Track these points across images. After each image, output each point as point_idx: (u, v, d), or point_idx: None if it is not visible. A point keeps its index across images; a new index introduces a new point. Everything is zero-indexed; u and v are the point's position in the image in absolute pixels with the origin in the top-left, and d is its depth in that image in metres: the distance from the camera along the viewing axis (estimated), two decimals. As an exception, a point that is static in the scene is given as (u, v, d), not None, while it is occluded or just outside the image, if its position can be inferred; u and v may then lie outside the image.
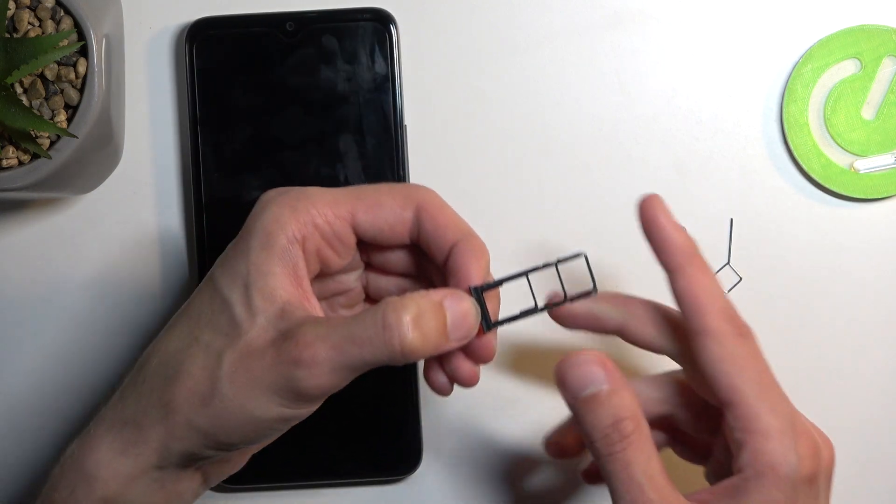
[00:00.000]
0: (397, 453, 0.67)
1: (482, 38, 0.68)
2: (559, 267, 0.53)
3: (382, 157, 0.66)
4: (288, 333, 0.50)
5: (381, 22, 0.66)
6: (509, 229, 0.67)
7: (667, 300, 0.55)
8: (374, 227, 0.54)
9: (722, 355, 0.52)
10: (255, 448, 0.56)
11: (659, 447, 0.57)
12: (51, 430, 0.68)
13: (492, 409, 0.68)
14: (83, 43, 0.59)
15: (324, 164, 0.66)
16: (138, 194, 0.68)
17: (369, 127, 0.66)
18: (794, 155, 0.67)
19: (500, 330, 0.54)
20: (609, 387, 0.52)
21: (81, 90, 0.59)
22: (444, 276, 0.54)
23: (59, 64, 0.59)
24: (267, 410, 0.51)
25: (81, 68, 0.59)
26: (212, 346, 0.51)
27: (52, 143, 0.59)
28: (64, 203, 0.68)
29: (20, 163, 0.59)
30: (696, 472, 0.59)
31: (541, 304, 0.54)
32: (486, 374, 0.67)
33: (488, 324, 0.53)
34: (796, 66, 0.67)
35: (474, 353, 0.53)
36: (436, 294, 0.51)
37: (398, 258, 0.56)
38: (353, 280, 0.57)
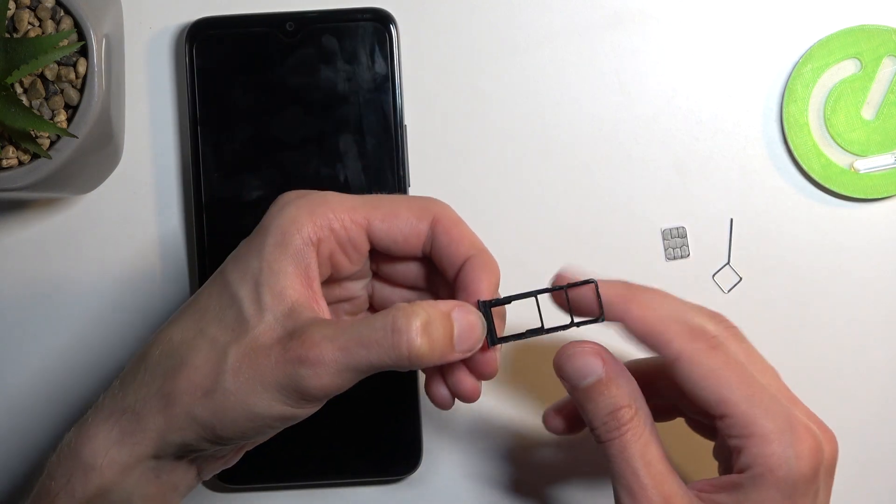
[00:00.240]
0: (397, 453, 0.67)
1: (482, 38, 0.68)
2: (568, 292, 0.54)
3: (382, 157, 0.66)
4: (295, 332, 0.51)
5: (381, 22, 0.66)
6: (509, 229, 0.67)
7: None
8: (389, 236, 0.54)
9: (701, 374, 0.53)
10: (251, 445, 0.56)
11: (670, 416, 0.59)
12: (51, 430, 0.68)
13: (492, 409, 0.68)
14: (83, 43, 0.59)
15: (324, 164, 0.66)
16: (138, 194, 0.68)
17: (369, 127, 0.66)
18: (794, 155, 0.67)
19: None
20: (606, 377, 0.53)
21: (81, 90, 0.59)
22: (452, 290, 0.54)
23: (59, 64, 0.59)
24: (268, 408, 0.51)
25: (81, 68, 0.59)
26: (217, 340, 0.51)
27: (52, 143, 0.59)
28: (64, 203, 0.68)
29: (20, 163, 0.59)
30: (701, 463, 0.59)
31: (547, 325, 0.54)
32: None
33: (493, 339, 0.53)
34: (796, 66, 0.67)
35: (477, 368, 0.54)
36: (445, 304, 0.52)
37: (408, 270, 0.56)
38: (359, 288, 0.57)
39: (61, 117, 0.59)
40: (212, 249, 0.66)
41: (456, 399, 0.55)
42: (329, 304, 0.56)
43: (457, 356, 0.52)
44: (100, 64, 0.59)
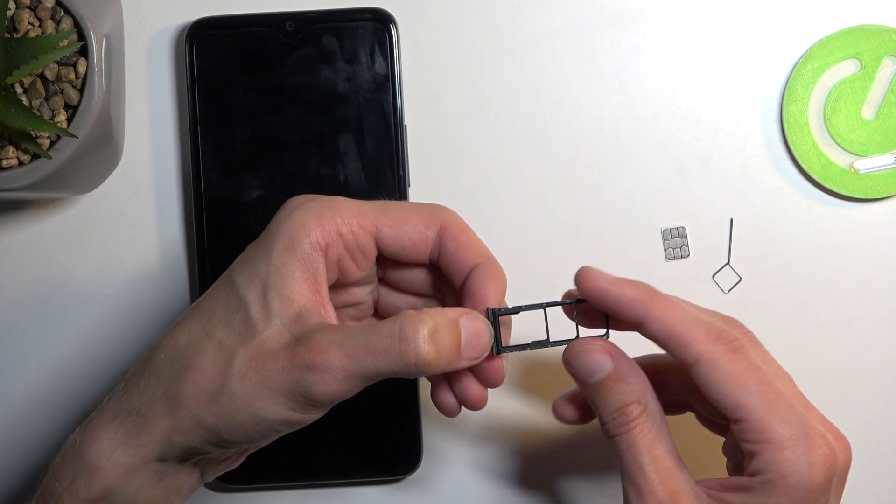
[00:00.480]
0: (397, 453, 0.67)
1: (482, 38, 0.68)
2: (576, 307, 0.55)
3: (382, 157, 0.66)
4: (302, 338, 0.51)
5: (381, 22, 0.66)
6: (509, 229, 0.67)
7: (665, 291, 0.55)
8: (397, 242, 0.54)
9: (720, 377, 0.53)
10: (254, 448, 0.56)
11: (680, 411, 0.59)
12: (52, 429, 0.68)
13: (492, 409, 0.68)
14: (83, 43, 0.59)
15: (324, 164, 0.66)
16: (138, 194, 0.68)
17: (369, 127, 0.66)
18: (794, 155, 0.67)
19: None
20: (615, 373, 0.54)
21: (81, 90, 0.59)
22: (459, 297, 0.55)
23: (59, 64, 0.59)
24: (275, 412, 0.51)
25: (81, 68, 0.59)
26: (224, 344, 0.51)
27: (52, 143, 0.59)
28: (64, 203, 0.68)
29: (20, 163, 0.59)
30: (708, 458, 0.59)
31: (552, 338, 0.55)
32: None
33: (498, 348, 0.54)
34: (796, 66, 0.67)
35: (484, 375, 0.54)
36: (452, 312, 0.52)
37: (414, 276, 0.57)
38: (365, 294, 0.57)
39: (61, 117, 0.59)
40: (212, 249, 0.66)
41: (462, 406, 0.55)
42: (335, 308, 0.56)
43: (464, 364, 0.52)
44: (100, 64, 0.59)
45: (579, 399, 0.59)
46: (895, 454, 0.68)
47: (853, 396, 0.68)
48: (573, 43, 0.68)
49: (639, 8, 0.68)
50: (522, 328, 0.56)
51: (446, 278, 0.55)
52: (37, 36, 0.59)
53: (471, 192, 0.68)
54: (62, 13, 0.60)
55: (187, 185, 0.67)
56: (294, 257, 0.52)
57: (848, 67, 0.67)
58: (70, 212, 0.68)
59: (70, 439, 0.53)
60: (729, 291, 0.68)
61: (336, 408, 0.54)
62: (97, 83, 0.59)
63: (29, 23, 0.59)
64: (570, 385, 0.58)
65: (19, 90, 0.59)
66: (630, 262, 0.67)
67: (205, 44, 0.66)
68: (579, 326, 0.55)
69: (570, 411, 0.59)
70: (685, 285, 0.67)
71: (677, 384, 0.57)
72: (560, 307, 0.55)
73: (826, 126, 0.67)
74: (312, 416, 0.52)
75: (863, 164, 0.67)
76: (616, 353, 0.54)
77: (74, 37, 0.59)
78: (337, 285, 0.55)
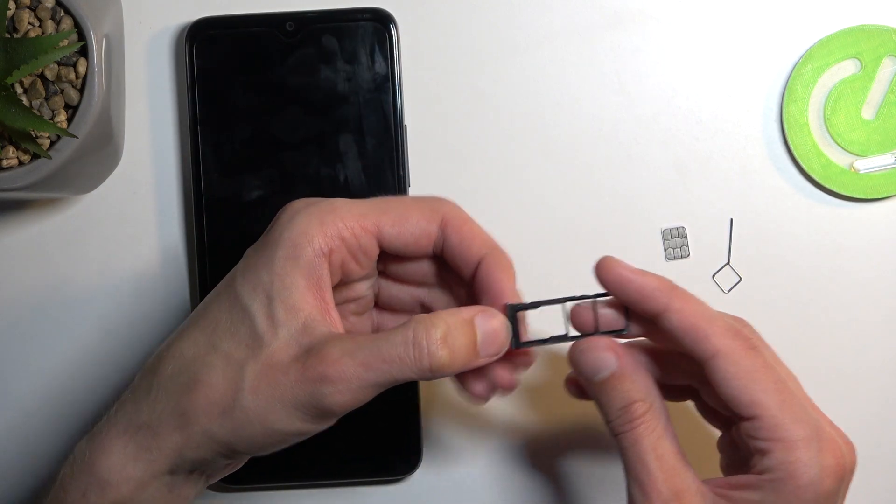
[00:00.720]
0: (397, 453, 0.67)
1: (482, 38, 0.68)
2: (597, 302, 0.55)
3: (382, 157, 0.66)
4: (312, 349, 0.51)
5: (381, 22, 0.66)
6: (509, 229, 0.67)
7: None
8: (400, 240, 0.54)
9: (737, 373, 0.53)
10: (262, 454, 0.56)
11: (682, 398, 0.59)
12: (52, 429, 0.68)
13: (492, 409, 0.68)
14: (83, 43, 0.59)
15: (324, 164, 0.66)
16: (138, 194, 0.68)
17: (369, 127, 0.66)
18: (794, 155, 0.67)
19: None
20: (619, 371, 0.54)
21: (81, 90, 0.59)
22: (468, 288, 0.55)
23: (59, 64, 0.59)
24: (288, 424, 0.51)
25: (81, 68, 0.59)
26: (232, 357, 0.51)
27: (52, 143, 0.59)
28: (64, 203, 0.68)
29: (20, 163, 0.59)
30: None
31: (571, 333, 0.55)
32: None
33: (517, 343, 0.54)
34: (796, 66, 0.67)
35: (514, 360, 0.54)
36: (467, 311, 0.52)
37: (416, 268, 0.57)
38: (366, 288, 0.57)
39: (61, 117, 0.59)
40: (212, 249, 0.66)
41: (493, 393, 0.55)
42: (337, 304, 0.56)
43: (482, 362, 0.52)
44: (100, 64, 0.59)
45: None
46: (895, 454, 0.68)
47: (853, 396, 0.68)
48: (573, 43, 0.68)
49: (639, 8, 0.68)
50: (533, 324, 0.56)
51: (452, 270, 0.55)
52: (37, 36, 0.59)
53: (471, 192, 0.67)
54: (62, 13, 0.60)
55: (187, 185, 0.67)
56: (297, 265, 0.52)
57: (848, 67, 0.67)
58: (70, 212, 0.68)
59: (78, 450, 0.53)
60: (729, 291, 0.68)
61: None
62: (97, 83, 0.59)
63: (29, 23, 0.59)
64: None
65: (19, 90, 0.59)
66: (630, 262, 0.67)
67: (205, 44, 0.66)
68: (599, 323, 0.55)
69: (578, 389, 0.59)
70: (685, 285, 0.67)
71: (690, 371, 0.56)
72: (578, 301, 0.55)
73: (826, 126, 0.67)
74: (324, 425, 0.52)
75: (863, 164, 0.67)
76: (621, 351, 0.54)
77: (74, 37, 0.59)
78: (339, 284, 0.55)
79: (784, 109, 0.67)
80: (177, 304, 0.67)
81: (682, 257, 0.68)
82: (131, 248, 0.68)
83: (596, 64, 0.68)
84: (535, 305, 0.54)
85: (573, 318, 0.56)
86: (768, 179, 0.68)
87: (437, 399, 0.67)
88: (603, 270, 0.54)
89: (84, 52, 0.59)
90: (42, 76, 0.59)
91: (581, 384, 0.57)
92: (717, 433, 0.58)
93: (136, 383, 0.53)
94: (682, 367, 0.57)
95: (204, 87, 0.66)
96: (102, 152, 0.63)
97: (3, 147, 0.59)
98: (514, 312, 0.53)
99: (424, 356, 0.51)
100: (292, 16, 0.66)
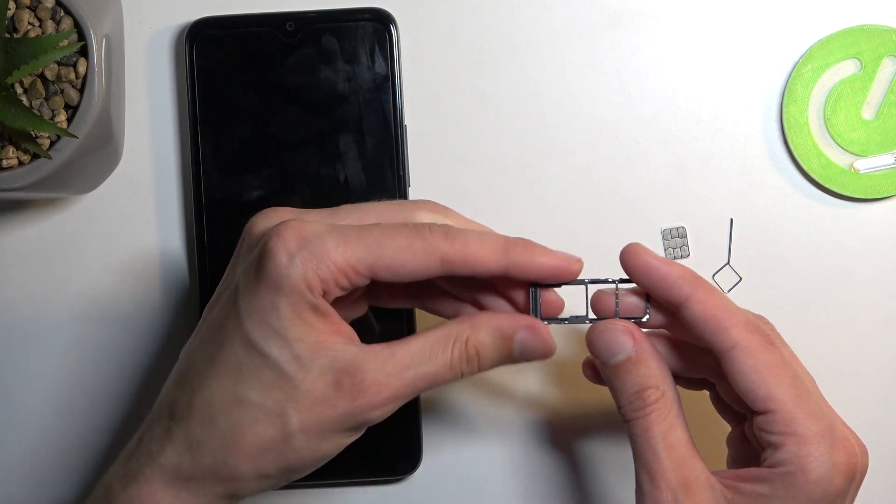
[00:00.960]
0: (397, 453, 0.67)
1: (482, 38, 0.68)
2: (618, 287, 0.56)
3: (382, 157, 0.66)
4: (345, 371, 0.52)
5: (381, 22, 0.66)
6: (509, 229, 0.67)
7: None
8: (396, 280, 0.53)
9: (755, 366, 0.53)
10: None
11: (699, 386, 0.59)
12: (51, 428, 0.68)
13: (492, 408, 0.68)
14: (83, 43, 0.59)
15: (324, 164, 0.66)
16: (138, 194, 0.68)
17: (369, 127, 0.66)
18: (794, 155, 0.67)
19: None
20: (636, 356, 0.54)
21: (81, 90, 0.59)
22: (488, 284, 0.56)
23: (59, 64, 0.59)
24: (336, 447, 0.53)
25: (81, 68, 0.59)
26: (267, 405, 0.52)
27: (52, 143, 0.59)
28: (64, 203, 0.68)
29: (20, 163, 0.59)
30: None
31: (591, 315, 0.56)
32: (486, 373, 0.67)
33: (538, 317, 0.55)
34: (796, 66, 0.67)
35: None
36: (509, 326, 0.54)
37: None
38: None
39: (61, 117, 0.59)
40: (212, 249, 0.66)
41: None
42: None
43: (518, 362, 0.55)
44: (100, 64, 0.59)
45: None
46: (895, 454, 0.68)
47: (853, 396, 0.68)
48: (573, 43, 0.68)
49: (639, 8, 0.68)
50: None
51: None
52: (37, 36, 0.59)
53: (471, 192, 0.67)
54: (62, 13, 0.60)
55: (187, 185, 0.67)
56: (305, 310, 0.52)
57: (848, 67, 0.67)
58: (70, 212, 0.68)
59: (110, 491, 0.54)
60: (729, 291, 0.68)
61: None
62: (97, 83, 0.59)
63: (29, 23, 0.59)
64: (573, 383, 0.59)
65: (19, 90, 0.59)
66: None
67: (205, 44, 0.66)
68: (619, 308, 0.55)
69: (594, 373, 0.58)
70: (685, 285, 0.67)
71: (706, 364, 0.57)
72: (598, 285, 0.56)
73: (826, 126, 0.67)
74: (362, 432, 0.54)
75: (863, 164, 0.67)
76: (639, 335, 0.54)
77: (74, 37, 0.59)
78: None
79: (784, 109, 0.67)
80: (177, 304, 0.67)
81: (682, 257, 0.68)
82: (131, 248, 0.68)
83: (596, 64, 0.68)
84: (558, 284, 0.55)
85: (594, 303, 0.56)
86: (768, 179, 0.68)
87: (437, 399, 0.67)
88: (628, 256, 0.55)
89: (84, 52, 0.59)
90: (42, 76, 0.59)
91: (596, 367, 0.57)
92: (727, 428, 0.58)
93: (165, 428, 0.53)
94: (699, 360, 0.57)
95: (204, 87, 0.66)
96: (102, 152, 0.63)
97: (3, 147, 0.59)
98: (537, 290, 0.54)
99: (464, 370, 0.53)
100: (292, 16, 0.66)
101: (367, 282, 0.53)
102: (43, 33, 0.59)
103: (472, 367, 0.54)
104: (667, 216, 0.68)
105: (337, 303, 0.54)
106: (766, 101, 0.68)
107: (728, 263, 0.68)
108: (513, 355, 0.54)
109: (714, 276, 0.68)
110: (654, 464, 0.53)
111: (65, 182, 0.62)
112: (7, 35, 0.59)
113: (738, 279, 0.68)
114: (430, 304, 0.58)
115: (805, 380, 0.54)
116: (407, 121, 0.66)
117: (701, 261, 0.68)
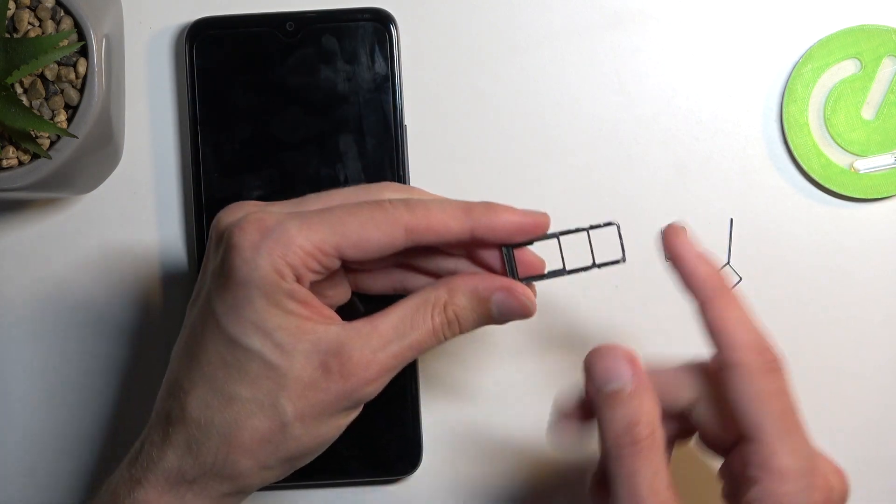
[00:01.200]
0: (397, 453, 0.67)
1: (482, 38, 0.68)
2: (590, 233, 0.56)
3: (382, 157, 0.66)
4: (331, 352, 0.52)
5: (381, 22, 0.66)
6: (509, 229, 0.67)
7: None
8: (364, 259, 0.54)
9: (748, 392, 0.52)
10: None
11: (676, 438, 0.57)
12: (51, 428, 0.68)
13: (492, 408, 0.68)
14: (83, 43, 0.59)
15: (324, 164, 0.66)
16: (138, 194, 0.68)
17: (369, 127, 0.66)
18: (794, 155, 0.67)
19: (504, 328, 0.56)
20: (633, 388, 0.53)
21: (81, 90, 0.59)
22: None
23: (59, 64, 0.59)
24: (336, 428, 0.54)
25: (81, 68, 0.59)
26: (259, 398, 0.52)
27: (52, 143, 0.59)
28: (64, 203, 0.68)
29: (20, 163, 0.59)
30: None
31: (568, 266, 0.56)
32: (487, 373, 0.67)
33: (515, 278, 0.55)
34: (796, 66, 0.67)
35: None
36: (484, 289, 0.54)
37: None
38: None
39: (61, 117, 0.59)
40: (212, 249, 0.66)
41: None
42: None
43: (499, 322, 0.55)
44: (100, 64, 0.59)
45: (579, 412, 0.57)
46: (895, 454, 0.68)
47: (853, 396, 0.68)
48: (573, 43, 0.68)
49: (639, 8, 0.68)
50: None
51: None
52: (37, 36, 0.59)
53: (471, 192, 0.67)
54: (62, 13, 0.60)
55: (187, 185, 0.67)
56: (280, 300, 0.52)
57: (848, 67, 0.67)
58: (70, 212, 0.68)
59: (116, 494, 0.54)
60: (729, 291, 0.68)
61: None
62: (97, 83, 0.59)
63: (29, 23, 0.59)
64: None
65: (19, 90, 0.59)
66: (630, 262, 0.67)
67: (205, 44, 0.66)
68: (594, 253, 0.56)
69: (571, 428, 0.57)
70: (685, 285, 0.67)
71: (692, 387, 0.55)
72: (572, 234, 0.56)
73: (826, 126, 0.67)
74: (359, 411, 0.55)
75: (863, 164, 0.67)
76: (637, 368, 0.53)
77: (74, 37, 0.59)
78: None
79: (784, 109, 0.67)
80: (177, 304, 0.67)
81: (682, 257, 0.68)
82: (131, 248, 0.68)
83: (596, 64, 0.68)
84: (529, 242, 0.55)
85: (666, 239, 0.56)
86: (768, 179, 0.68)
87: (436, 398, 0.67)
88: (669, 234, 0.55)
89: (84, 52, 0.59)
90: (42, 76, 0.59)
91: (588, 393, 0.55)
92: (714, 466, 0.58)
93: (163, 434, 0.54)
94: (685, 384, 0.55)
95: (204, 87, 0.66)
96: (102, 152, 0.63)
97: (3, 147, 0.59)
98: (511, 250, 0.54)
99: (446, 334, 0.54)
100: (292, 16, 0.66)
101: (337, 263, 0.53)
102: (43, 33, 0.59)
103: (454, 330, 0.54)
104: (667, 216, 0.68)
105: (317, 290, 0.54)
106: (766, 101, 0.68)
107: (728, 263, 0.68)
108: (492, 316, 0.54)
109: (714, 276, 0.68)
110: None
111: (65, 182, 0.62)
112: (7, 35, 0.59)
113: (738, 279, 0.68)
114: (412, 288, 0.58)
115: (796, 414, 0.53)
116: (407, 121, 0.67)
117: (701, 261, 0.68)
